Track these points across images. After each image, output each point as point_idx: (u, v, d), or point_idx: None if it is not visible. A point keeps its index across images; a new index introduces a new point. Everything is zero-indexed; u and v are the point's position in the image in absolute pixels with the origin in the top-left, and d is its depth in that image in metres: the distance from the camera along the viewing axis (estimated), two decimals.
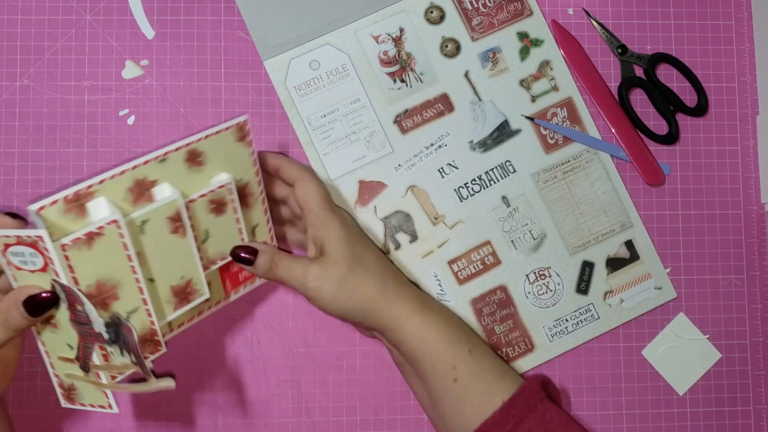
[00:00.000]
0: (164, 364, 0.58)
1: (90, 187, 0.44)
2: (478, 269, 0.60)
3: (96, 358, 0.45)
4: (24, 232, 0.42)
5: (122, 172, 0.45)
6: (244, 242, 0.52)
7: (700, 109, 0.62)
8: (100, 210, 0.45)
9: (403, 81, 0.60)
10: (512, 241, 0.60)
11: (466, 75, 0.61)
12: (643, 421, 0.61)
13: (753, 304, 0.62)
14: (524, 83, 0.61)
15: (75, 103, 0.59)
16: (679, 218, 0.62)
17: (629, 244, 0.61)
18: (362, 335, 0.59)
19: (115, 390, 0.46)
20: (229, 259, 0.51)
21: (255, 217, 0.53)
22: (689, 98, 0.62)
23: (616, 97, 0.62)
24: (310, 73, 0.59)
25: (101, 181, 0.44)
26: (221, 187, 0.49)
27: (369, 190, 0.60)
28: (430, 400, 0.53)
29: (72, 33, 0.59)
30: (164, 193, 0.47)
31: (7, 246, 0.42)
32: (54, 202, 0.43)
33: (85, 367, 0.45)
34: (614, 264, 0.61)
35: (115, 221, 0.43)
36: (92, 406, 0.47)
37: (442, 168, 0.60)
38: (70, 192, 0.43)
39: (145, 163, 0.46)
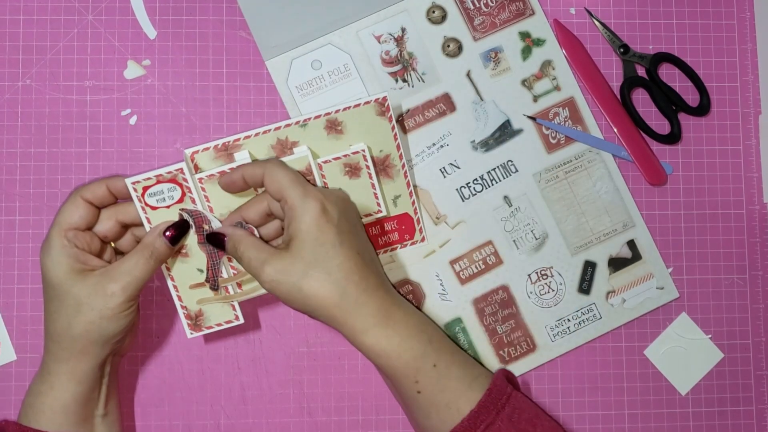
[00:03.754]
0: (166, 364, 0.58)
1: (237, 140, 0.53)
2: (479, 269, 0.60)
3: (224, 272, 0.53)
4: (164, 169, 0.50)
5: (266, 132, 0.53)
6: (380, 206, 0.55)
7: (702, 109, 0.62)
8: (244, 160, 0.52)
9: (404, 81, 0.60)
10: (514, 240, 0.60)
11: (468, 75, 0.61)
12: (645, 421, 0.60)
13: (755, 304, 0.62)
14: (526, 83, 0.61)
15: (77, 103, 0.59)
16: (681, 218, 0.62)
17: (631, 244, 0.61)
18: None
19: (244, 298, 0.53)
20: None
21: (397, 188, 0.57)
22: (691, 98, 0.62)
23: (618, 96, 0.61)
24: (312, 72, 0.59)
25: (247, 137, 0.53)
26: (355, 153, 0.54)
27: None
28: (400, 400, 0.54)
29: (74, 33, 0.59)
30: (302, 153, 0.53)
31: (145, 189, 0.50)
32: (206, 149, 0.53)
33: (215, 285, 0.53)
34: (616, 264, 0.61)
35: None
36: (219, 325, 0.54)
37: (443, 168, 0.60)
38: (219, 142, 0.53)
39: (287, 125, 0.53)
